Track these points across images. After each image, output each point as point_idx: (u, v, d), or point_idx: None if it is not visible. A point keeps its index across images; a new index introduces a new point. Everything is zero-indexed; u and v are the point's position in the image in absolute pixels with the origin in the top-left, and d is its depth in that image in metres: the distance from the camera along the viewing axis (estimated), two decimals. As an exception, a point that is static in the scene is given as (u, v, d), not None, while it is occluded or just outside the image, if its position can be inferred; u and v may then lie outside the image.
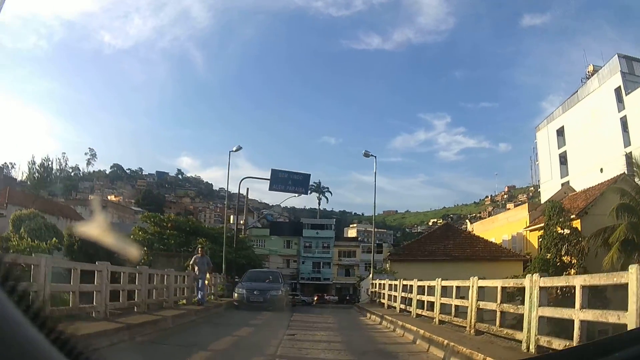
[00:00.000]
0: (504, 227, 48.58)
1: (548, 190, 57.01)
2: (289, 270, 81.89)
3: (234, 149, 29.93)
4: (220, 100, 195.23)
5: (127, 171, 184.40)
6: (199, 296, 18.90)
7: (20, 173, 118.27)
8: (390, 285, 23.18)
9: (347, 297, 32.45)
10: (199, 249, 21.00)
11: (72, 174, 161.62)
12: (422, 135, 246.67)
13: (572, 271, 27.72)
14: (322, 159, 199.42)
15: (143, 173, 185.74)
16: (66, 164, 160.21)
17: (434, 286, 15.46)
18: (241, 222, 41.10)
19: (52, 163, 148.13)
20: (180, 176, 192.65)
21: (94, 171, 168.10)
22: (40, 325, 1.49)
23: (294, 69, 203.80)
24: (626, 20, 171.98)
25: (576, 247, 28.57)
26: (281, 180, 30.88)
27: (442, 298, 14.71)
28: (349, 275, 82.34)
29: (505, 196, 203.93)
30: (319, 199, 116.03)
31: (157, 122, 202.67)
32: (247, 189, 39.76)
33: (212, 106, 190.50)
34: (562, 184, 54.45)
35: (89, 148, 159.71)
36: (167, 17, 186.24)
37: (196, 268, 19.32)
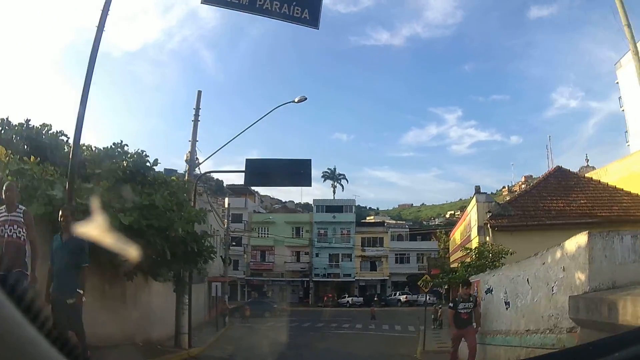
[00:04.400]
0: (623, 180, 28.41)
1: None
2: (300, 265, 60.69)
3: None
4: (233, 99, 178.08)
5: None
6: None
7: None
8: None
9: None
10: None
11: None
12: (434, 129, 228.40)
13: None
14: (335, 155, 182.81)
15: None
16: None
17: None
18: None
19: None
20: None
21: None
22: (40, 325, 1.41)
23: (304, 66, 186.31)
24: (634, 9, 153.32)
25: None
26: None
27: None
28: (374, 270, 61.13)
29: (522, 186, 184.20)
30: (334, 187, 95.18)
31: (167, 122, 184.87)
32: (199, 92, 19.20)
33: (224, 105, 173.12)
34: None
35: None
36: (175, 18, 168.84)
37: None
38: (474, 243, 17.73)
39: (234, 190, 73.29)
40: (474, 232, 19.21)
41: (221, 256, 38.47)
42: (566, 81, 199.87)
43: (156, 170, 16.05)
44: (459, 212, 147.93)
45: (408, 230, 67.80)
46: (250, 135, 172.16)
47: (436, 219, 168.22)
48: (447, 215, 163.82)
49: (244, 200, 62.33)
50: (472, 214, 20.36)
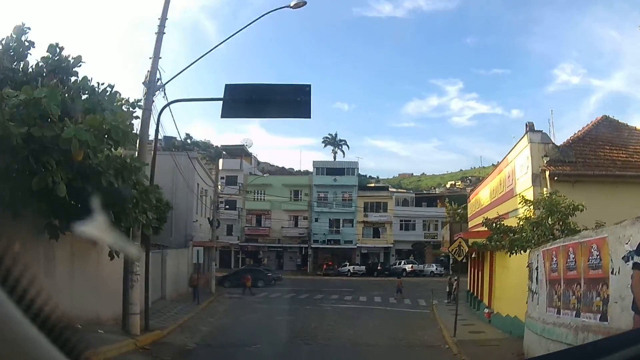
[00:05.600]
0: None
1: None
2: (298, 230, 56.60)
3: None
4: (237, 70, 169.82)
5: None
6: None
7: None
8: None
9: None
10: None
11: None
12: (435, 100, 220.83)
13: None
14: (336, 124, 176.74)
15: (150, 138, 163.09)
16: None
17: None
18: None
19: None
20: (189, 140, 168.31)
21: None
22: (40, 325, 1.37)
23: (307, 36, 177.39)
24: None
25: None
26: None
27: None
28: (378, 237, 57.07)
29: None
30: (334, 153, 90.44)
31: (169, 92, 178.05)
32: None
33: (229, 78, 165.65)
34: None
35: None
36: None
37: None
38: (526, 196, 13.41)
39: (229, 151, 68.76)
40: (525, 183, 14.74)
41: (208, 218, 34.35)
42: (568, 58, 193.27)
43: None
44: (459, 182, 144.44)
45: (414, 195, 63.34)
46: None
47: (437, 189, 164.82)
48: (448, 185, 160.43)
49: (240, 161, 57.92)
50: (518, 160, 15.84)
